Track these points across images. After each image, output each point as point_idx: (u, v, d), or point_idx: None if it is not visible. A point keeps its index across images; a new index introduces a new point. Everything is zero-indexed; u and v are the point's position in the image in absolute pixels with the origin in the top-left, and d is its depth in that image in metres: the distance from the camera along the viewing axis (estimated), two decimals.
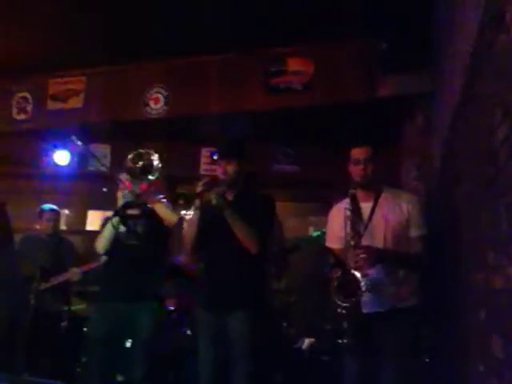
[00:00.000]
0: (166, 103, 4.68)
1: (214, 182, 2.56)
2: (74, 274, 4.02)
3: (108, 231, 2.93)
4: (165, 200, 2.96)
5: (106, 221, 3.04)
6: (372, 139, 2.57)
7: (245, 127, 3.99)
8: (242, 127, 4.00)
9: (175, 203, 2.51)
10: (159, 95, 4.71)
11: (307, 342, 3.78)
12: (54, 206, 4.38)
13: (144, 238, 2.93)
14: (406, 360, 2.37)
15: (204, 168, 5.42)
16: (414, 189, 3.64)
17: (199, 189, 2.49)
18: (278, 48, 4.24)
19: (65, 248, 4.27)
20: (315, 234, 3.77)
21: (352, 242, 2.36)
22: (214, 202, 2.50)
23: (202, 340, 2.62)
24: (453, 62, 2.46)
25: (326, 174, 4.66)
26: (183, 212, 2.51)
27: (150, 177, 2.82)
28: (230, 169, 2.62)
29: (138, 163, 2.84)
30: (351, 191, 2.45)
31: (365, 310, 2.34)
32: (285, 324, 3.80)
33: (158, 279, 3.05)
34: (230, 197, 2.64)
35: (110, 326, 2.83)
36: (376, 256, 2.32)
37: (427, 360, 3.05)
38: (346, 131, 2.79)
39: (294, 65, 4.25)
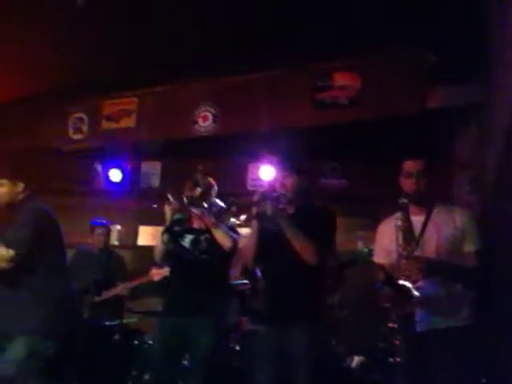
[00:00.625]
0: (214, 121, 4.77)
1: (271, 192, 2.58)
2: (124, 288, 4.12)
3: (160, 246, 3.05)
4: (221, 225, 3.00)
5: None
6: (423, 152, 2.52)
7: (292, 143, 4.00)
8: (289, 143, 4.01)
9: (228, 211, 2.55)
10: (208, 113, 4.81)
11: (357, 360, 3.69)
12: (105, 221, 4.53)
13: (206, 253, 3.01)
14: (462, 382, 2.27)
15: (252, 184, 5.46)
16: (467, 203, 3.52)
17: (255, 198, 2.51)
18: (323, 63, 4.25)
19: (115, 262, 4.40)
20: (364, 249, 3.70)
21: (404, 253, 2.30)
22: (268, 212, 2.50)
23: (259, 356, 2.61)
24: (509, 69, 2.38)
25: (373, 189, 4.59)
26: (233, 220, 2.54)
27: (206, 204, 2.86)
28: (289, 183, 2.64)
29: (195, 189, 2.89)
30: (402, 201, 2.39)
31: (419, 329, 2.26)
32: (334, 341, 3.73)
33: (220, 295, 3.10)
34: (290, 211, 2.65)
35: (170, 340, 2.89)
36: (429, 266, 2.25)
37: (484, 381, 2.91)
38: (395, 145, 2.75)
39: (340, 79, 4.24)
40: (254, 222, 2.57)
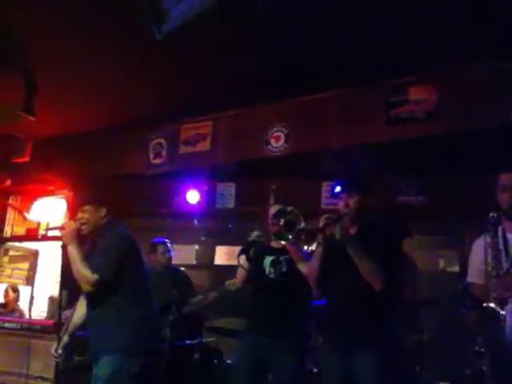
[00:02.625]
0: (286, 141, 4.81)
1: (336, 216, 2.55)
2: (205, 300, 4.17)
3: (240, 269, 3.12)
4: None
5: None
6: (503, 167, 2.37)
7: (366, 160, 3.93)
8: (363, 160, 3.94)
9: (298, 239, 2.52)
10: (280, 133, 4.86)
11: None
12: (165, 239, 4.63)
13: (287, 275, 3.01)
14: None
15: (325, 202, 5.40)
16: None
17: (322, 223, 2.49)
18: (397, 78, 4.16)
19: (182, 279, 4.47)
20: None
21: (493, 272, 2.16)
22: (337, 236, 2.47)
23: (327, 379, 2.56)
24: None
25: (454, 205, 4.37)
26: (305, 247, 2.51)
27: (291, 236, 2.79)
28: (352, 202, 2.59)
29: (280, 221, 2.84)
30: (492, 215, 2.26)
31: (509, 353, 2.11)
32: (417, 367, 3.56)
33: (303, 317, 3.09)
34: (352, 231, 2.60)
35: (253, 359, 2.91)
36: None
37: None
38: (476, 159, 2.62)
39: (415, 93, 4.14)
40: (319, 246, 2.53)
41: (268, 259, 3.10)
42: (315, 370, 3.72)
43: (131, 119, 5.33)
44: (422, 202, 4.74)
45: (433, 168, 4.45)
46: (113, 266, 2.64)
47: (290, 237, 2.57)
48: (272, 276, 3.05)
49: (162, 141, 5.58)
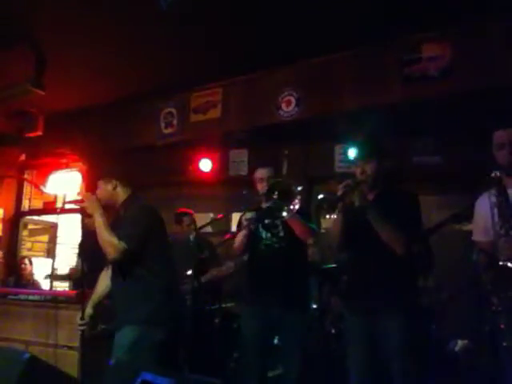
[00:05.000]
0: (297, 105, 4.75)
1: (354, 183, 2.52)
2: (220, 272, 4.23)
3: (242, 234, 2.95)
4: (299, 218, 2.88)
5: (241, 222, 3.10)
6: None
7: (380, 121, 3.87)
8: (377, 121, 3.88)
9: (319, 208, 2.51)
10: (291, 97, 4.80)
11: (460, 343, 3.55)
12: (189, 210, 4.67)
13: (287, 241, 2.97)
14: None
15: (339, 166, 5.37)
16: None
17: (340, 192, 2.47)
18: (411, 35, 4.05)
19: (207, 249, 4.53)
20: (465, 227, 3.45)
21: (502, 231, 2.15)
22: (356, 203, 2.45)
23: (351, 344, 2.59)
24: None
25: (470, 164, 4.32)
26: (327, 216, 2.49)
27: (285, 213, 2.70)
28: (369, 168, 2.56)
29: (274, 193, 2.78)
30: (494, 174, 2.23)
31: None
32: (433, 326, 3.60)
33: (305, 283, 3.07)
34: (370, 197, 2.58)
35: (260, 326, 2.92)
36: None
37: None
38: (493, 117, 2.56)
39: (428, 51, 4.03)
40: (339, 214, 2.52)
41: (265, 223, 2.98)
42: (333, 331, 3.80)
43: (141, 90, 5.31)
44: (437, 162, 4.69)
45: (448, 127, 4.37)
46: (139, 237, 2.67)
47: (287, 208, 2.62)
48: (269, 242, 2.98)
49: (173, 110, 5.57)
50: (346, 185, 2.48)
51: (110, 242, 2.63)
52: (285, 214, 2.70)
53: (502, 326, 2.20)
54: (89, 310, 2.94)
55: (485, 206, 2.36)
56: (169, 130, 5.58)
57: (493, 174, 2.24)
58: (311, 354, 3.58)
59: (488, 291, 2.23)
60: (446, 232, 3.15)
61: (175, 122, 5.55)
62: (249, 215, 2.95)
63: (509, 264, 2.11)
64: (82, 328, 2.95)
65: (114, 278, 2.83)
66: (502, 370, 2.30)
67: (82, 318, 2.93)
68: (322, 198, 2.48)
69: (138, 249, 2.66)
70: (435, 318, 3.58)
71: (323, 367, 3.63)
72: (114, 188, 2.83)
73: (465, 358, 3.42)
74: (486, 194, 2.38)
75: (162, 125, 5.61)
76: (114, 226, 2.74)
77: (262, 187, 3.01)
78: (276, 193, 2.72)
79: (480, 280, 2.35)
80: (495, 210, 2.22)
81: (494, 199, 2.23)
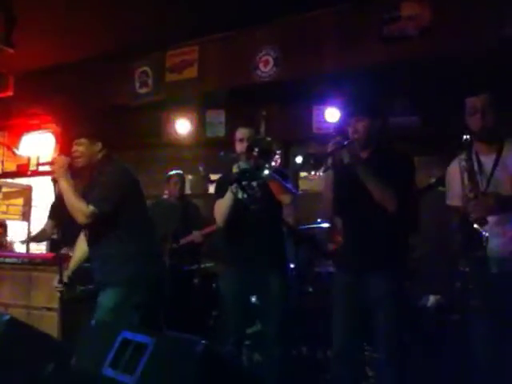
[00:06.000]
0: (275, 65, 4.68)
1: (345, 141, 2.49)
2: (197, 236, 4.28)
3: (229, 200, 2.84)
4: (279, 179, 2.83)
5: (219, 185, 3.06)
6: (500, 86, 2.34)
7: (359, 82, 3.84)
8: (356, 82, 3.86)
9: (306, 163, 2.46)
10: (268, 57, 4.72)
11: (432, 299, 3.66)
12: (179, 171, 4.67)
13: (264, 203, 2.89)
14: None
15: (317, 127, 5.36)
16: None
17: (330, 148, 2.45)
18: None
19: (191, 211, 4.55)
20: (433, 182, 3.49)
21: (471, 194, 2.20)
22: (345, 160, 2.42)
23: (337, 301, 2.62)
24: None
25: (448, 125, 4.36)
26: (313, 172, 2.47)
27: (266, 172, 2.63)
28: (361, 127, 2.53)
29: (254, 151, 2.72)
30: (465, 138, 2.25)
31: (494, 270, 2.19)
32: (407, 282, 3.70)
33: (282, 243, 3.07)
34: (364, 156, 2.55)
35: (239, 287, 2.92)
36: (499, 202, 2.15)
37: None
38: (473, 78, 2.57)
39: (408, 9, 3.98)
40: (330, 173, 2.51)
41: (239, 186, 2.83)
42: (310, 290, 3.89)
43: (115, 48, 5.15)
44: (415, 123, 4.71)
45: (427, 88, 4.38)
46: (111, 199, 2.62)
47: (268, 166, 2.56)
48: (246, 203, 2.83)
49: (147, 69, 5.42)
50: (336, 142, 2.47)
51: (78, 207, 2.60)
52: (266, 172, 2.66)
53: (470, 286, 2.27)
54: (68, 274, 2.93)
55: (457, 171, 2.39)
56: (144, 90, 5.45)
57: (463, 139, 2.26)
58: (289, 311, 3.67)
59: (457, 252, 2.30)
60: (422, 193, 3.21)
61: (150, 81, 5.41)
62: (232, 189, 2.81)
63: (475, 225, 2.16)
64: (60, 290, 2.95)
65: (91, 242, 2.81)
66: (469, 325, 2.39)
67: (60, 282, 2.92)
68: (309, 154, 2.45)
69: (111, 211, 2.63)
70: (409, 275, 3.68)
71: (301, 325, 3.72)
72: (100, 150, 2.77)
73: (436, 313, 3.54)
74: (457, 159, 2.42)
75: (137, 84, 5.47)
76: (90, 188, 2.71)
77: (241, 147, 2.95)
78: (256, 150, 2.67)
79: (452, 240, 2.42)
80: (465, 175, 2.25)
81: (463, 163, 2.26)
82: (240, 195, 2.82)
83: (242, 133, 3.02)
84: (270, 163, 2.65)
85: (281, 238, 3.09)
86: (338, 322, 2.59)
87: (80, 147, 2.76)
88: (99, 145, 2.77)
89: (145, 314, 2.69)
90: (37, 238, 5.16)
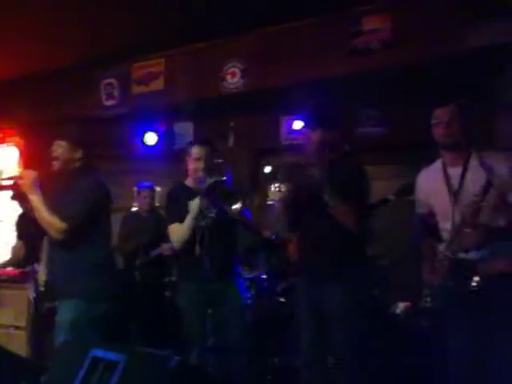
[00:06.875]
0: (242, 76, 4.71)
1: (301, 165, 2.55)
2: (166, 249, 4.23)
3: (189, 225, 2.82)
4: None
5: (173, 201, 3.01)
6: (461, 95, 2.41)
7: (325, 93, 3.91)
8: (322, 93, 3.93)
9: (272, 174, 2.51)
10: (235, 69, 4.75)
11: (401, 306, 3.73)
12: (150, 184, 4.64)
13: (218, 221, 2.86)
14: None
15: (284, 138, 5.41)
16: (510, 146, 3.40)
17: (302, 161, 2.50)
18: (354, 7, 4.09)
19: (162, 224, 4.50)
20: (391, 197, 3.59)
21: (466, 217, 2.21)
22: (316, 176, 2.46)
23: (301, 309, 2.66)
24: None
25: (413, 135, 4.47)
26: (274, 186, 2.51)
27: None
28: (315, 137, 2.57)
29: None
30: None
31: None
32: (376, 291, 3.75)
33: (234, 255, 3.09)
34: (318, 166, 2.58)
35: (198, 299, 2.90)
36: (490, 237, 2.21)
37: None
38: (435, 88, 2.65)
39: (369, 23, 4.09)
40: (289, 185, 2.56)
41: (194, 203, 2.84)
42: (283, 300, 3.90)
43: (81, 59, 5.08)
44: (380, 133, 4.82)
45: (391, 99, 4.49)
46: (84, 214, 2.59)
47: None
48: (202, 223, 2.83)
49: (114, 81, 5.37)
50: (289, 165, 2.55)
51: (51, 224, 2.56)
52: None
53: (438, 293, 2.33)
54: (41, 289, 2.87)
55: (425, 181, 2.47)
56: (110, 102, 5.39)
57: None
58: (260, 321, 3.67)
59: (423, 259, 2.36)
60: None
61: (116, 93, 5.36)
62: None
63: (461, 255, 2.21)
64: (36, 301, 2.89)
65: (54, 253, 2.74)
66: (439, 329, 2.45)
67: (36, 293, 2.86)
68: (282, 166, 2.49)
69: (83, 226, 2.60)
70: (378, 284, 3.75)
71: (272, 334, 3.73)
72: (79, 159, 2.71)
73: (406, 320, 3.60)
74: (427, 168, 2.50)
75: (103, 96, 5.41)
76: (61, 196, 2.65)
77: (197, 166, 2.93)
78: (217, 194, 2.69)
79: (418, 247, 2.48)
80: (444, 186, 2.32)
81: (439, 175, 2.35)
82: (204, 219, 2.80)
83: (198, 151, 2.98)
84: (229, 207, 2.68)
85: (234, 251, 3.10)
86: (302, 331, 2.62)
87: (59, 149, 2.69)
88: (80, 152, 2.71)
89: (113, 329, 2.65)
90: (11, 262, 5.02)
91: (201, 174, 2.88)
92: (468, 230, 2.20)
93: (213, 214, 2.76)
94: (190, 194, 2.90)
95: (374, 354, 3.22)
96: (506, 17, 3.35)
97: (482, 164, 2.21)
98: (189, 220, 2.82)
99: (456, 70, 3.75)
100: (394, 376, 3.20)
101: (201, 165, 2.89)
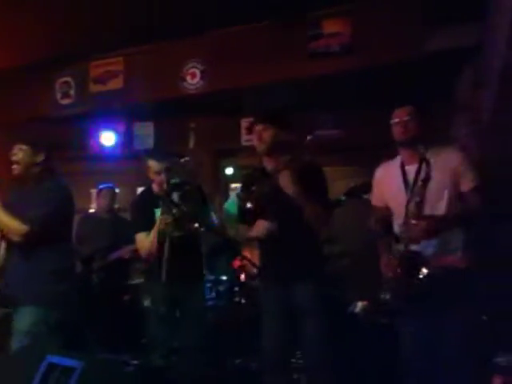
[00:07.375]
0: (202, 77, 4.69)
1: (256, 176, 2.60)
2: (126, 252, 4.16)
3: (156, 233, 2.84)
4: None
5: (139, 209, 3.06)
6: (420, 98, 2.50)
7: (284, 95, 3.95)
8: (281, 96, 3.96)
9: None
10: (195, 70, 4.72)
11: (360, 305, 3.79)
12: (110, 185, 4.55)
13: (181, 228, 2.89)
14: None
15: (245, 139, 5.42)
16: (465, 146, 3.52)
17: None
18: (315, 11, 4.14)
19: (122, 225, 4.42)
20: (342, 198, 3.66)
21: (414, 212, 2.28)
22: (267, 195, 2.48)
23: (267, 311, 2.66)
24: (504, 11, 2.33)
25: (369, 138, 4.57)
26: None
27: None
28: (267, 136, 2.55)
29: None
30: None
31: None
32: (336, 291, 3.80)
33: (201, 262, 3.16)
34: (270, 165, 2.59)
35: (164, 301, 2.87)
36: (438, 228, 2.27)
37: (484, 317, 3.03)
38: (393, 91, 2.72)
39: (330, 27, 4.15)
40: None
41: (159, 211, 2.88)
42: (243, 301, 3.90)
43: (34, 58, 4.91)
44: (338, 136, 4.90)
45: (349, 102, 4.57)
46: (47, 218, 2.54)
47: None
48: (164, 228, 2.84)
49: (69, 79, 5.23)
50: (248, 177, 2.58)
51: (12, 228, 2.53)
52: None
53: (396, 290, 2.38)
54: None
55: (382, 175, 2.56)
56: (66, 101, 5.25)
57: None
58: (220, 323, 3.66)
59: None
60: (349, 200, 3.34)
61: (72, 92, 5.23)
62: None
63: (412, 247, 2.26)
64: None
65: (10, 260, 2.66)
66: (396, 327, 2.51)
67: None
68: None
69: (45, 229, 2.54)
70: (339, 283, 3.80)
71: (232, 336, 3.72)
72: (41, 162, 2.63)
73: (364, 318, 3.67)
74: (386, 163, 2.58)
75: (58, 95, 5.26)
76: (23, 197, 2.57)
77: (159, 180, 2.96)
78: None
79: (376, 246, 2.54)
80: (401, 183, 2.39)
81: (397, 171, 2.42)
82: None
83: (155, 166, 2.99)
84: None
85: (199, 252, 3.15)
86: (270, 332, 2.62)
87: (20, 153, 2.61)
88: (41, 156, 2.65)
89: (70, 335, 2.59)
90: None
91: (165, 186, 2.89)
92: (414, 221, 2.26)
93: (178, 234, 2.80)
94: (158, 201, 2.91)
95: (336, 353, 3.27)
96: (462, 21, 3.46)
97: (423, 159, 2.29)
98: (155, 232, 2.83)
99: (416, 73, 3.85)
100: (356, 376, 3.24)
101: (163, 177, 2.91)
